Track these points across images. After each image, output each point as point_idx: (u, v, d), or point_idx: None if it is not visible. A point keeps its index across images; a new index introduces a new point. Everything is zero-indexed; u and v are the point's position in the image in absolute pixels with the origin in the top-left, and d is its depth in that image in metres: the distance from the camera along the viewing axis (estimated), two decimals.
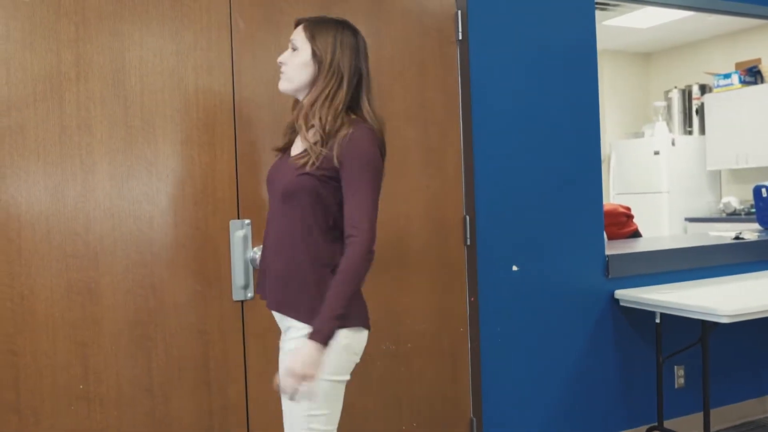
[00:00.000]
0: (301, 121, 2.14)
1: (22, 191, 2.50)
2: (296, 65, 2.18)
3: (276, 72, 2.86)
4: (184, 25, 2.73)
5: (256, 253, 2.80)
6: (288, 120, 2.25)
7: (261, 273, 2.26)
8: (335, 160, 2.06)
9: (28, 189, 2.51)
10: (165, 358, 2.70)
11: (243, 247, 2.79)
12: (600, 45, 3.82)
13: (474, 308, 3.31)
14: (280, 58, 2.22)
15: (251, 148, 2.80)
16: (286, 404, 2.12)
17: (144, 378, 2.66)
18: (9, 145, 2.48)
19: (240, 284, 2.79)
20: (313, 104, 2.13)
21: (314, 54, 2.16)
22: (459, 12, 3.27)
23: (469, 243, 3.29)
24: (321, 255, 2.12)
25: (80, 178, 2.58)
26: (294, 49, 2.19)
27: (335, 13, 2.96)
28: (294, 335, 2.12)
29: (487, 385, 3.36)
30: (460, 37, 3.27)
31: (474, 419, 3.32)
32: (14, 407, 2.49)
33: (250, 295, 2.80)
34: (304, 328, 2.06)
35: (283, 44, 2.88)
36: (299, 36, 2.19)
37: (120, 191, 2.63)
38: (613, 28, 7.44)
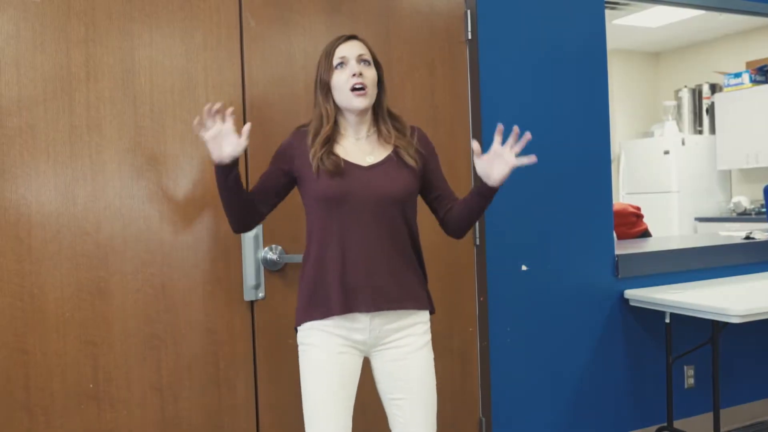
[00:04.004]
0: (392, 131, 2.31)
1: (32, 191, 2.51)
2: (374, 81, 2.28)
3: (286, 70, 2.87)
4: (193, 25, 2.73)
5: (267, 252, 2.80)
6: (323, 136, 2.24)
7: (353, 286, 2.21)
8: (419, 156, 2.33)
9: (38, 188, 2.52)
10: (174, 357, 2.70)
11: (254, 247, 2.79)
12: (610, 44, 3.81)
13: (483, 308, 3.31)
14: (362, 74, 2.23)
15: (262, 148, 2.79)
16: (425, 402, 2.35)
17: (153, 377, 2.67)
18: (19, 144, 2.49)
19: (251, 284, 2.79)
20: (393, 112, 2.37)
21: (379, 67, 2.32)
22: (468, 12, 3.26)
23: (478, 243, 3.29)
24: (419, 245, 2.36)
25: (90, 178, 2.58)
26: (369, 63, 2.27)
27: (345, 13, 2.97)
28: (423, 327, 2.33)
29: (497, 384, 3.35)
30: (470, 37, 3.27)
31: (483, 419, 3.31)
32: (25, 406, 2.50)
33: (261, 295, 2.80)
34: (426, 315, 2.35)
35: (294, 43, 2.89)
36: (366, 51, 2.28)
37: (130, 191, 2.63)
38: (623, 27, 7.42)
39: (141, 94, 2.65)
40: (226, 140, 2.17)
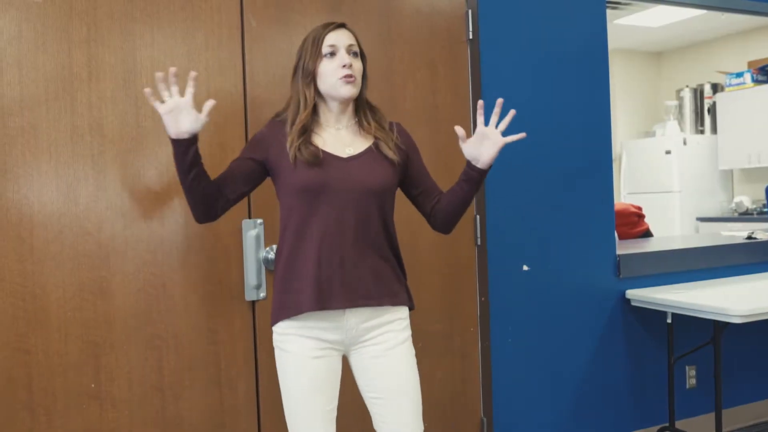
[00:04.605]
0: (372, 122, 2.27)
1: (34, 191, 2.51)
2: (360, 73, 2.25)
3: (287, 71, 2.86)
4: (195, 26, 2.73)
5: (269, 252, 2.80)
6: (300, 124, 2.18)
7: (326, 279, 2.15)
8: (399, 151, 2.28)
9: (40, 188, 2.52)
10: (176, 357, 2.70)
11: (255, 247, 2.79)
12: (611, 44, 3.81)
13: (485, 308, 3.31)
14: (352, 65, 2.18)
15: None
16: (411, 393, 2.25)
17: (155, 377, 2.67)
18: (21, 144, 2.49)
19: (252, 284, 2.79)
20: (372, 104, 2.32)
21: (364, 58, 2.28)
22: (469, 11, 3.26)
23: (479, 243, 3.29)
24: (396, 241, 2.30)
25: (92, 178, 2.59)
26: (357, 55, 2.24)
27: (345, 13, 2.97)
28: (403, 323, 2.28)
29: (498, 384, 3.35)
30: (471, 37, 3.27)
31: (484, 419, 3.31)
32: (27, 406, 2.50)
33: (262, 295, 2.80)
34: (406, 311, 2.30)
35: (295, 43, 2.87)
36: (354, 41, 2.24)
37: (132, 191, 2.64)
38: (625, 27, 7.42)
39: (142, 95, 2.65)
40: (183, 114, 2.05)
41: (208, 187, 2.17)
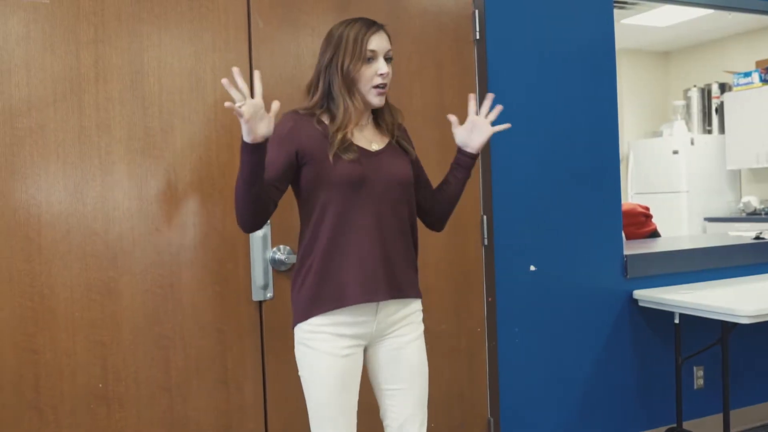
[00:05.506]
0: (391, 120, 2.31)
1: (42, 191, 2.52)
2: (391, 77, 2.26)
3: (294, 71, 2.88)
4: (202, 26, 2.74)
5: (275, 253, 2.81)
6: (346, 130, 2.17)
7: (372, 271, 2.16)
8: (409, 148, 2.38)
9: (48, 189, 2.53)
10: (183, 357, 2.71)
11: (262, 247, 2.79)
12: (618, 44, 3.80)
13: (491, 308, 3.31)
14: (388, 73, 2.21)
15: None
16: (420, 388, 2.29)
17: (162, 377, 2.68)
18: (29, 145, 2.50)
19: (259, 284, 2.79)
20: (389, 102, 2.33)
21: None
22: (476, 12, 3.26)
23: (486, 243, 3.28)
24: (417, 232, 2.35)
25: (99, 179, 2.59)
26: (390, 60, 2.26)
27: (353, 13, 2.96)
28: (420, 316, 2.34)
29: (505, 385, 3.35)
30: (478, 37, 3.26)
31: (491, 419, 3.31)
32: (34, 406, 2.51)
33: (269, 295, 2.81)
34: (420, 303, 2.35)
35: (302, 44, 2.89)
36: (390, 45, 2.27)
37: (139, 191, 2.64)
38: (632, 26, 7.40)
39: (150, 95, 2.66)
40: (260, 118, 1.95)
41: (263, 192, 2.07)
